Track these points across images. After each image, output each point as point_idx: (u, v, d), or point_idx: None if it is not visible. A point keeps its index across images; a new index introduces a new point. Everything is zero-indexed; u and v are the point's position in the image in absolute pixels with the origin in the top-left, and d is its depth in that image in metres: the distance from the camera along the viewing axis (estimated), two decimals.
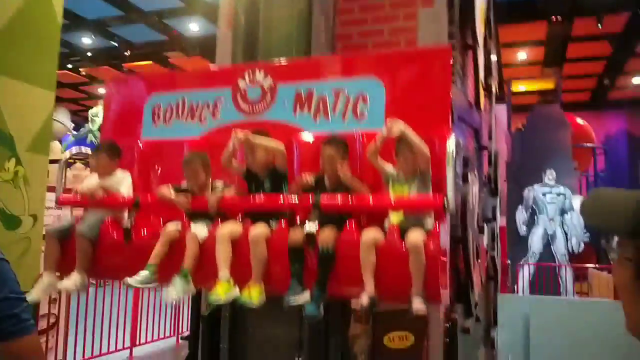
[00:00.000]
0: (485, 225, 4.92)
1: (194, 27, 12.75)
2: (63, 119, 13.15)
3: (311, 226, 2.69)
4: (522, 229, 11.11)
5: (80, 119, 17.79)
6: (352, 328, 3.38)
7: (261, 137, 2.94)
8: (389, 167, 2.82)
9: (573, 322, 5.93)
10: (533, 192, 11.04)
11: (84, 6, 11.64)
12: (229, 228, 2.83)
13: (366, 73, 3.14)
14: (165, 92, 3.62)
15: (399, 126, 2.64)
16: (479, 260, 4.27)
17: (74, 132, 13.46)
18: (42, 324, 5.49)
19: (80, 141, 13.64)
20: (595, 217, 1.22)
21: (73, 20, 12.24)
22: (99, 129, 10.11)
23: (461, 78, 4.19)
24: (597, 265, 10.19)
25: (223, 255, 2.76)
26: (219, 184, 3.12)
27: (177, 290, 2.74)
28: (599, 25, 11.23)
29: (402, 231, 2.59)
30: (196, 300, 3.92)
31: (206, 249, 2.84)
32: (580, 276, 10.63)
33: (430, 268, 2.47)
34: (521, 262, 10.64)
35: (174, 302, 2.84)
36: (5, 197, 4.22)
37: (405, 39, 3.95)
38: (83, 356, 6.40)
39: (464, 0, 4.12)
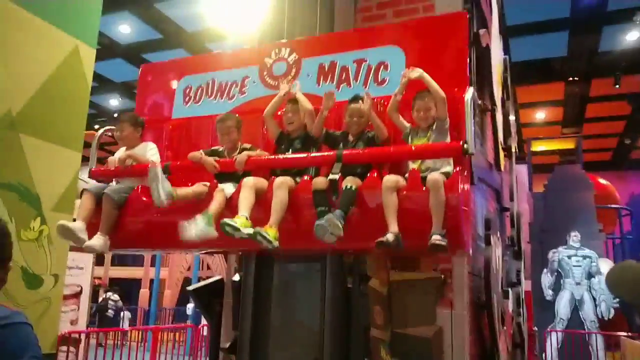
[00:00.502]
0: (509, 289, 4.79)
1: None
2: (88, 178, 13.44)
3: (334, 175, 2.78)
4: (548, 294, 10.77)
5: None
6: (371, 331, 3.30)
7: (301, 95, 3.15)
8: (407, 124, 2.97)
9: None
10: (558, 254, 10.78)
11: (112, 70, 12.15)
12: (255, 179, 2.90)
13: (386, 42, 3.29)
14: (196, 74, 3.81)
15: (417, 70, 2.84)
16: (505, 327, 4.12)
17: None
18: None
19: None
20: (622, 289, 1.21)
21: (101, 83, 12.74)
22: None
23: (480, 139, 4.21)
24: (630, 334, 9.76)
25: (246, 199, 2.78)
26: (247, 145, 3.23)
27: (197, 228, 2.71)
28: (617, 85, 11.29)
29: (423, 178, 2.63)
30: (216, 332, 3.85)
31: (232, 206, 2.84)
32: (612, 344, 10.16)
33: (450, 211, 2.49)
34: (548, 329, 10.24)
35: (192, 238, 2.74)
36: (28, 256, 4.26)
37: (423, 6, 4.02)
38: None
39: (481, 64, 4.20)
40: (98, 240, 3.04)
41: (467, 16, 3.21)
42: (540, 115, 14.49)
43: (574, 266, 10.61)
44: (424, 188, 2.58)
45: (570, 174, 12.02)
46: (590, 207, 11.38)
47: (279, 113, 3.27)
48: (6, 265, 1.54)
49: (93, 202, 3.20)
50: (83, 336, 6.16)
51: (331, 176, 2.79)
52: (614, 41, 10.45)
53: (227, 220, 2.61)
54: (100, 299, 14.19)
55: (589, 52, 10.81)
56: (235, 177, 3.05)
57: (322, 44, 3.57)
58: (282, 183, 2.79)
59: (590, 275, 10.58)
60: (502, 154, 5.35)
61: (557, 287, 10.76)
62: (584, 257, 10.63)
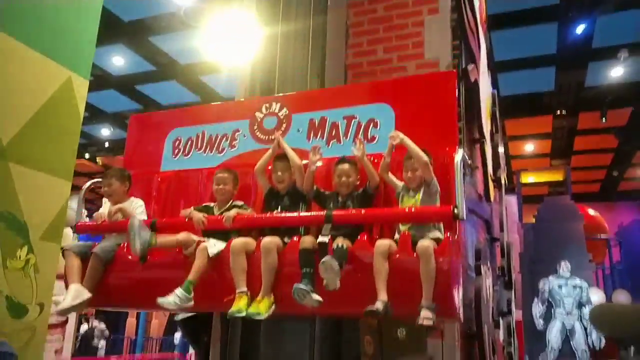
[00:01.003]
0: (500, 319, 4.78)
1: None
2: (77, 206, 13.33)
3: (324, 237, 2.75)
4: (539, 323, 10.72)
5: (94, 206, 18.01)
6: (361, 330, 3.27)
7: (289, 149, 3.18)
8: (399, 182, 2.98)
9: None
10: (548, 284, 10.77)
11: (104, 100, 12.19)
12: (243, 240, 2.88)
13: (376, 99, 3.33)
14: (186, 127, 3.79)
15: (398, 135, 2.87)
16: (496, 357, 4.10)
17: (87, 220, 13.58)
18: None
19: None
20: (607, 328, 1.24)
21: (93, 113, 12.76)
22: None
23: (470, 170, 4.26)
24: None
25: (238, 267, 2.80)
26: (239, 203, 3.22)
27: (176, 299, 2.71)
28: (603, 119, 11.49)
29: (414, 242, 2.63)
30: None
31: (221, 264, 2.86)
32: None
33: (441, 279, 2.48)
34: (539, 359, 10.16)
35: (169, 310, 2.74)
36: (14, 285, 4.19)
37: (413, 65, 4.11)
38: None
39: (470, 98, 4.27)
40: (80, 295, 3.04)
41: (456, 75, 3.27)
42: (529, 147, 14.67)
43: (565, 296, 10.60)
44: (414, 253, 2.57)
45: (559, 204, 12.12)
46: (580, 237, 11.44)
47: (269, 167, 3.28)
48: None
49: (79, 261, 3.20)
50: None
51: (320, 238, 2.76)
52: (599, 77, 10.69)
53: (232, 310, 2.70)
54: (86, 328, 13.94)
55: (576, 86, 11.02)
56: (223, 233, 3.04)
57: (312, 99, 3.62)
58: (271, 247, 2.78)
59: (581, 305, 10.56)
60: (491, 185, 5.41)
61: (548, 317, 10.73)
62: (575, 286, 10.63)
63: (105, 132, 14.22)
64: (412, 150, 2.85)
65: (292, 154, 3.16)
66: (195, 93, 11.87)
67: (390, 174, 3.02)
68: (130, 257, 3.12)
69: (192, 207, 3.20)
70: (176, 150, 3.77)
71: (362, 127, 3.30)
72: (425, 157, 2.82)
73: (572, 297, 10.59)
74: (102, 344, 14.58)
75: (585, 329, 10.44)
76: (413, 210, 2.79)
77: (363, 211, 2.88)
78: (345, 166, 3.03)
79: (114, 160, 16.09)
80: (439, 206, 2.79)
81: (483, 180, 4.94)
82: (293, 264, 2.72)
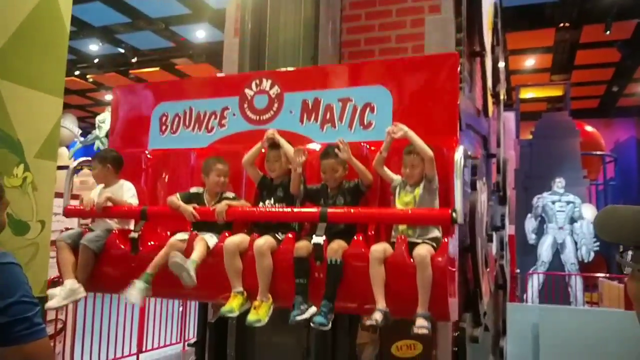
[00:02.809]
0: (494, 233, 4.88)
1: (200, 33, 12.82)
2: (70, 125, 13.23)
3: (318, 238, 2.67)
4: (532, 238, 11.03)
5: (87, 125, 17.89)
6: (359, 336, 3.34)
7: (286, 143, 2.99)
8: (395, 176, 2.84)
9: (583, 331, 5.86)
10: (542, 200, 10.96)
11: (91, 13, 11.74)
12: (236, 239, 2.82)
13: (373, 81, 3.12)
14: (172, 101, 3.61)
15: (401, 128, 2.70)
16: (488, 269, 4.22)
17: (81, 139, 13.53)
18: (50, 330, 5.49)
19: (88, 147, 13.71)
20: (609, 231, 1.26)
21: (80, 27, 12.34)
22: (106, 135, 10.15)
23: (469, 85, 4.17)
24: (607, 275, 10.09)
25: (233, 268, 2.76)
26: (230, 195, 3.12)
27: (188, 273, 2.72)
28: (607, 32, 11.18)
29: (410, 244, 2.58)
30: (203, 306, 3.90)
31: (213, 260, 2.83)
32: (590, 286, 10.52)
33: (437, 283, 2.45)
34: (530, 271, 10.55)
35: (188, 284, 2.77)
36: (13, 203, 4.22)
37: (413, 46, 3.95)
38: None
39: (471, 8, 4.11)
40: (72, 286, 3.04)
41: (459, 57, 3.02)
42: (529, 62, 14.38)
43: (558, 211, 10.82)
44: (411, 259, 2.52)
45: (557, 121, 12.08)
46: (575, 154, 11.51)
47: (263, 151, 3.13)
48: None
49: (71, 252, 3.14)
50: None
51: (315, 239, 2.67)
52: None
53: (224, 309, 2.70)
54: None
55: None
56: (214, 226, 2.97)
57: (305, 77, 3.37)
58: (264, 250, 2.70)
59: (572, 220, 10.81)
60: (490, 100, 5.33)
61: (540, 232, 11.02)
62: (568, 202, 10.83)
63: (94, 47, 13.81)
64: (417, 145, 2.68)
65: (287, 147, 2.97)
66: (185, 5, 11.41)
67: (385, 168, 2.85)
68: (122, 246, 3.10)
69: (177, 194, 3.08)
70: (163, 127, 3.57)
71: (358, 111, 3.09)
72: (430, 152, 2.66)
73: (565, 213, 10.82)
74: None
75: (576, 243, 10.76)
76: (410, 211, 2.70)
77: (358, 211, 2.79)
78: (331, 161, 2.87)
79: (104, 77, 15.79)
80: (437, 207, 2.69)
81: (482, 95, 4.87)
82: (289, 264, 2.68)
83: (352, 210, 2.80)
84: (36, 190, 4.37)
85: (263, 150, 3.09)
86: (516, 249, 10.54)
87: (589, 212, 11.02)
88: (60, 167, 5.21)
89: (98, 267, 3.12)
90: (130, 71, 15.18)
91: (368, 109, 3.08)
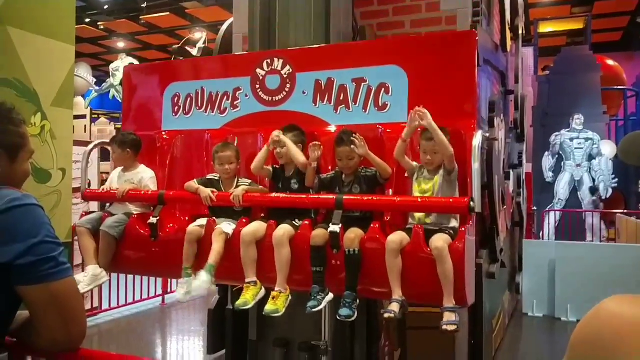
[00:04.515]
0: (511, 171, 4.86)
1: None
2: (84, 74, 13.19)
3: (335, 226, 2.67)
4: (549, 176, 10.95)
5: (101, 74, 17.82)
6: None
7: (292, 145, 2.92)
8: (414, 163, 2.80)
9: (599, 266, 5.90)
10: (560, 137, 10.81)
11: None
12: (253, 229, 2.83)
13: (388, 60, 3.01)
14: (183, 82, 3.57)
15: (427, 117, 2.61)
16: (505, 207, 4.24)
17: (96, 87, 13.52)
18: (79, 271, 5.69)
19: (103, 96, 13.71)
20: (635, 156, 1.24)
21: None
22: (121, 83, 10.13)
23: (487, 19, 4.04)
24: (625, 211, 10.06)
25: (248, 258, 2.79)
26: (247, 181, 3.11)
27: (203, 283, 2.79)
28: None
29: (427, 231, 2.58)
30: None
31: (231, 247, 2.87)
32: (607, 222, 10.52)
33: (455, 270, 2.46)
34: (547, 209, 10.55)
35: (190, 298, 2.97)
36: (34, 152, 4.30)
37: (426, 3, 3.83)
38: (117, 303, 6.64)
39: None
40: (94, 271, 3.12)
41: (476, 35, 2.87)
42: None
43: (576, 149, 10.69)
44: (428, 248, 2.51)
45: (577, 55, 11.72)
46: (595, 89, 11.23)
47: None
48: (23, 153, 1.52)
49: (91, 238, 3.19)
50: None
51: (332, 228, 2.65)
52: None
53: (239, 303, 2.71)
54: None
55: None
56: (231, 212, 2.97)
57: (318, 56, 3.24)
58: (283, 241, 2.70)
59: (591, 157, 10.68)
60: (508, 35, 5.17)
61: (557, 170, 10.93)
62: (586, 139, 10.67)
63: None
64: (440, 141, 2.60)
65: (295, 153, 2.91)
66: None
67: (406, 158, 2.78)
68: (142, 230, 3.15)
69: (194, 180, 3.10)
70: (176, 108, 3.53)
71: (373, 92, 2.99)
72: (451, 149, 2.60)
73: (583, 150, 10.68)
74: None
75: (594, 180, 10.67)
76: (427, 200, 2.67)
77: (375, 199, 2.76)
78: (346, 149, 2.79)
79: (115, 24, 15.57)
80: (456, 196, 2.66)
81: (500, 30, 4.73)
82: (307, 251, 2.70)
83: (369, 198, 2.79)
84: (55, 139, 4.43)
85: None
86: (533, 186, 10.50)
87: (607, 148, 10.86)
88: (77, 117, 5.24)
89: (119, 251, 3.20)
90: (141, 17, 14.93)
91: (383, 90, 2.99)
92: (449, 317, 2.44)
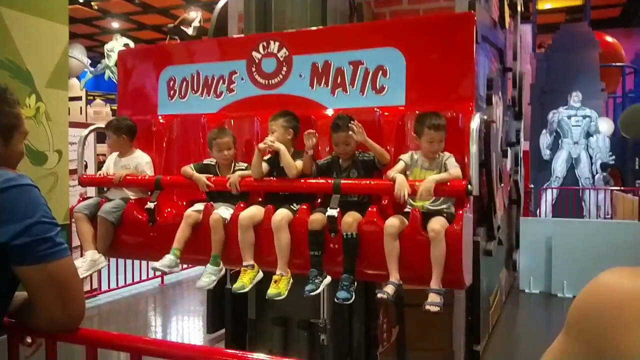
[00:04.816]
0: (508, 149, 4.85)
1: None
2: (79, 55, 13.06)
3: (332, 211, 2.67)
4: (546, 154, 10.94)
5: (96, 55, 17.63)
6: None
7: (285, 152, 2.86)
8: (402, 156, 2.78)
9: (596, 243, 5.93)
10: (558, 115, 10.77)
11: None
12: (251, 213, 2.84)
13: (385, 43, 2.99)
14: (179, 65, 3.55)
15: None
16: (502, 184, 4.24)
17: (91, 69, 13.39)
18: (77, 255, 5.70)
19: (98, 77, 13.59)
20: (635, 129, 1.22)
21: None
22: (116, 65, 10.04)
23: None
24: (622, 188, 10.08)
25: (246, 242, 2.81)
26: (244, 165, 3.10)
27: (211, 277, 2.86)
28: None
29: (425, 214, 2.60)
30: None
31: (229, 231, 2.90)
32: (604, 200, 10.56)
33: (452, 252, 2.48)
34: (544, 187, 10.57)
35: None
36: (29, 133, 4.27)
37: None
38: (117, 284, 6.67)
39: None
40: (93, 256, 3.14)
41: (474, 16, 2.83)
42: None
43: (573, 126, 10.66)
44: (425, 231, 2.52)
45: (575, 32, 11.62)
46: (594, 66, 11.16)
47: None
48: (17, 134, 1.51)
49: (89, 223, 3.20)
50: None
51: (329, 212, 2.65)
52: None
53: (236, 286, 2.75)
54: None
55: None
56: (228, 196, 2.97)
57: (315, 39, 3.20)
58: (282, 225, 2.71)
59: (588, 135, 10.67)
60: (507, 11, 5.12)
61: (554, 148, 10.92)
62: (584, 116, 10.64)
63: None
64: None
65: (288, 162, 2.84)
66: None
67: (394, 172, 2.75)
68: (139, 215, 3.16)
69: (191, 165, 3.09)
70: (172, 92, 3.51)
71: (370, 75, 2.96)
72: (459, 173, 2.61)
73: (580, 127, 10.66)
74: None
75: (591, 157, 10.68)
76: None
77: (372, 183, 2.75)
78: (342, 135, 2.76)
79: (109, 4, 15.36)
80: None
81: (498, 6, 4.68)
82: (305, 234, 2.71)
83: (366, 182, 2.79)
84: (50, 120, 4.40)
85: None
86: (530, 164, 10.50)
87: (605, 126, 10.84)
88: (72, 99, 5.19)
89: (117, 236, 3.22)
90: None
91: (380, 73, 2.97)
92: (433, 298, 2.50)
